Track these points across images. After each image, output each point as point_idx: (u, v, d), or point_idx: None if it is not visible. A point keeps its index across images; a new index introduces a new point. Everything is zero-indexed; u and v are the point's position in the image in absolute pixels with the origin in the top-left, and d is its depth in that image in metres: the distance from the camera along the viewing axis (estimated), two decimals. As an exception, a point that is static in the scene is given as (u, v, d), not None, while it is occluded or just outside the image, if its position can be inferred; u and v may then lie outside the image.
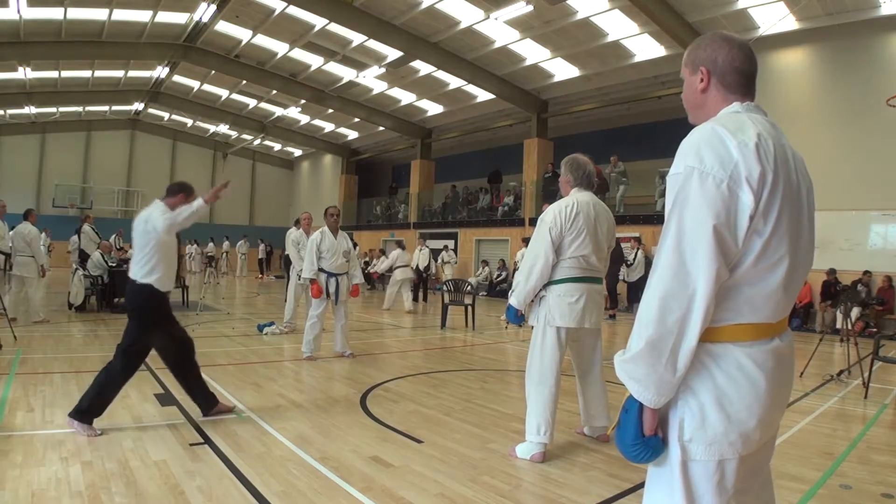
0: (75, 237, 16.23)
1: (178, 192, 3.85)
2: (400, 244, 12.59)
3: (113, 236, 13.09)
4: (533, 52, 14.17)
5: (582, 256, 3.41)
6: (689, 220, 1.16)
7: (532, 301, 3.47)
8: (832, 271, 10.30)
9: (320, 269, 6.08)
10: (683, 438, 1.22)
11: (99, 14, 13.59)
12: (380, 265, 14.40)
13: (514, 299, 3.45)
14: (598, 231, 3.48)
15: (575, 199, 3.46)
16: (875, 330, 9.30)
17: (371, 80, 16.94)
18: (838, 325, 8.94)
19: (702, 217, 1.14)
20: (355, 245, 7.80)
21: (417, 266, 13.37)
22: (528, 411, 3.40)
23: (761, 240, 1.19)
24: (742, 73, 1.34)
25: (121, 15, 13.71)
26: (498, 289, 16.05)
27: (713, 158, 1.16)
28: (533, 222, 16.01)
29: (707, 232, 1.13)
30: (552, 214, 3.41)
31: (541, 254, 3.35)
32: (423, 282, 14.03)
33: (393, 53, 14.80)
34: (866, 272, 10.17)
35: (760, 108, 1.33)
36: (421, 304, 13.29)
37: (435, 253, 15.79)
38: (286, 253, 8.77)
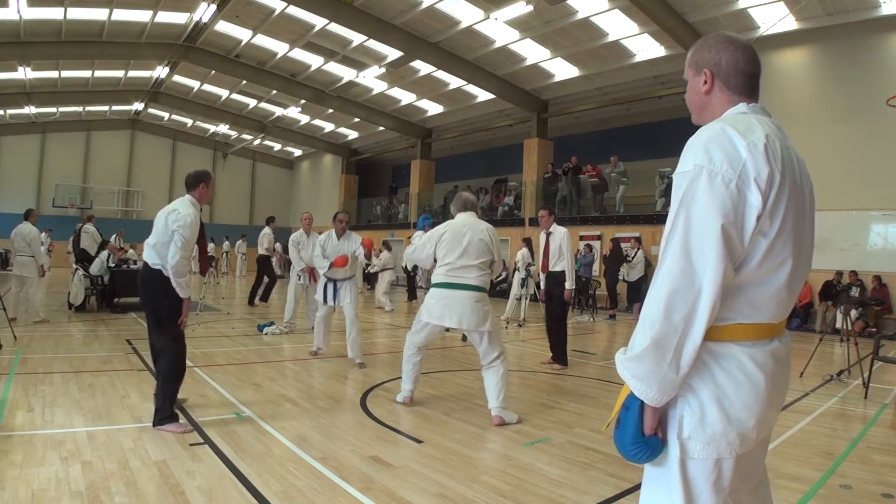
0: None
1: (197, 184, 3.80)
2: (387, 245, 12.67)
3: (114, 236, 13.08)
4: (533, 52, 14.17)
5: (448, 264, 4.13)
6: (697, 219, 1.15)
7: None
8: (838, 273, 10.31)
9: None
10: (682, 436, 1.22)
11: (99, 14, 13.59)
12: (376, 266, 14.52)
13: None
14: (464, 243, 4.14)
15: (449, 222, 4.32)
16: (875, 330, 9.30)
17: (371, 80, 16.94)
18: (838, 325, 8.95)
19: (710, 216, 1.14)
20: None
21: (405, 266, 13.48)
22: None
23: (767, 240, 1.19)
24: (746, 74, 1.34)
25: (121, 15, 13.70)
26: (498, 289, 16.04)
27: (722, 158, 1.16)
28: (533, 222, 16.01)
29: (715, 231, 1.13)
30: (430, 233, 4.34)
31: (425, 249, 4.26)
32: (411, 281, 14.08)
33: (393, 53, 14.80)
34: (852, 272, 10.19)
35: (765, 110, 1.33)
36: (413, 302, 13.33)
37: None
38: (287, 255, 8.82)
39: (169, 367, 3.57)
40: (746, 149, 1.16)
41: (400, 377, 4.56)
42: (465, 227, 4.20)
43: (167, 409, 3.51)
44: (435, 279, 4.22)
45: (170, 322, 3.59)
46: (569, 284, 6.01)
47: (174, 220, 3.58)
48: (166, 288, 3.55)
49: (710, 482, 1.21)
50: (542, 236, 6.31)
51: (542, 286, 6.42)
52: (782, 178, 1.19)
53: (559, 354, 6.21)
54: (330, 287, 6.03)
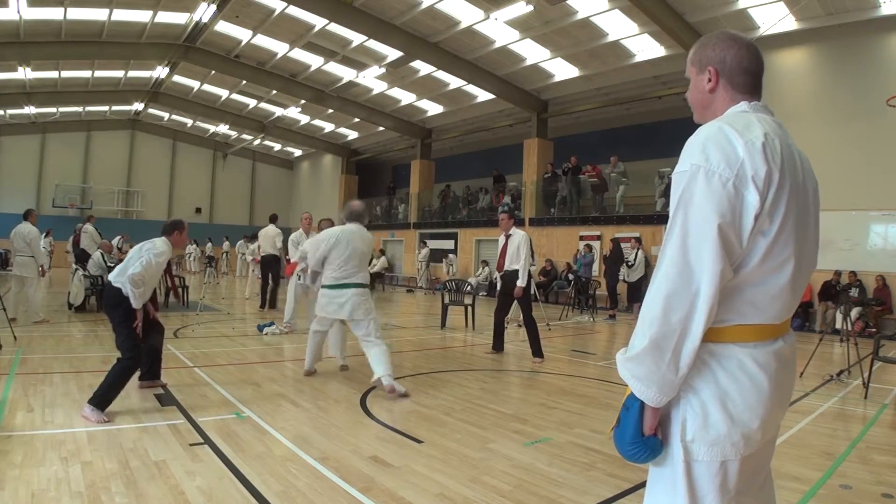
0: (47, 239, 16.24)
1: (172, 231, 4.46)
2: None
3: (118, 238, 13.09)
4: (533, 53, 14.17)
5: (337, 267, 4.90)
6: (694, 219, 1.15)
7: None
8: (837, 273, 10.32)
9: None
10: (686, 439, 1.21)
11: (99, 14, 13.59)
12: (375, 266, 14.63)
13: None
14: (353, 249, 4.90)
15: (340, 229, 5.02)
16: (875, 330, 9.30)
17: (371, 80, 16.94)
18: (838, 326, 8.95)
19: (707, 216, 1.14)
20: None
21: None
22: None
23: (766, 240, 1.19)
24: (750, 72, 1.34)
25: (121, 15, 13.70)
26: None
27: (719, 157, 1.15)
28: (533, 222, 16.03)
29: (712, 231, 1.13)
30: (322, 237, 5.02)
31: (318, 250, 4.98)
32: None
33: (393, 53, 14.80)
34: (852, 272, 10.19)
35: (768, 108, 1.33)
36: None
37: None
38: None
39: (118, 371, 3.87)
40: (744, 148, 1.16)
41: (400, 377, 4.62)
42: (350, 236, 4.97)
43: (100, 399, 3.70)
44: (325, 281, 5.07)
45: (124, 328, 4.03)
46: (520, 283, 6.38)
47: (149, 248, 4.16)
48: (121, 298, 4.01)
49: (716, 485, 1.21)
50: (502, 238, 6.73)
51: (498, 285, 6.89)
52: (782, 177, 1.18)
53: (536, 348, 6.53)
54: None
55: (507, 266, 6.60)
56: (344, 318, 4.90)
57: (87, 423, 3.57)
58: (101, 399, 3.70)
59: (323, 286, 4.96)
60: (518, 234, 6.62)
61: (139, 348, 4.07)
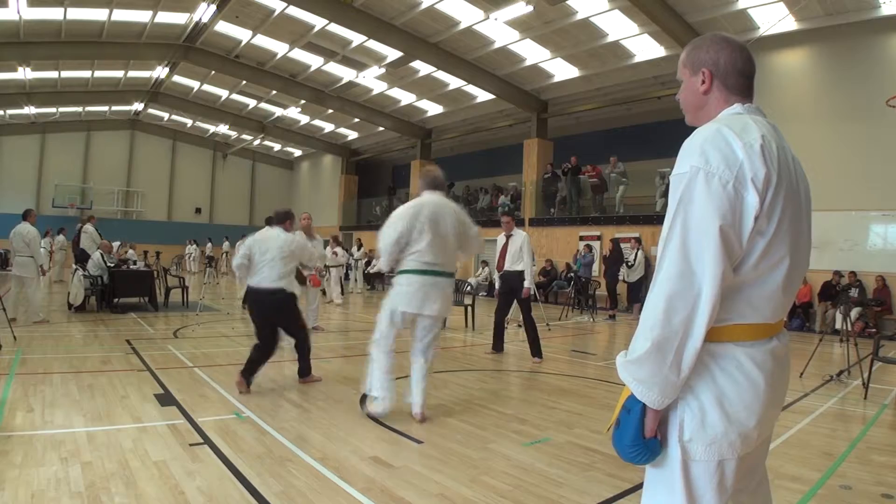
0: (61, 237, 16.23)
1: (285, 220, 4.96)
2: (337, 241, 13.13)
3: (118, 245, 13.07)
4: (533, 53, 14.17)
5: (419, 252, 3.90)
6: (695, 221, 1.15)
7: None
8: (837, 273, 10.32)
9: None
10: (684, 438, 1.22)
11: (99, 14, 13.59)
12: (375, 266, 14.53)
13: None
14: (442, 228, 3.95)
15: (421, 201, 4.01)
16: (874, 330, 9.30)
17: (371, 80, 16.93)
18: (838, 326, 8.94)
19: (708, 217, 1.14)
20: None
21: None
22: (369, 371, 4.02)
23: (764, 240, 1.19)
24: (744, 74, 1.34)
25: (121, 15, 13.70)
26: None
27: (719, 159, 1.16)
28: (533, 222, 16.02)
29: (713, 232, 1.13)
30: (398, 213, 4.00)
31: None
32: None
33: (393, 54, 14.79)
34: (852, 272, 10.20)
35: (760, 110, 1.33)
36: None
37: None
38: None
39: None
40: (743, 149, 1.16)
41: (400, 377, 4.54)
42: (439, 209, 4.04)
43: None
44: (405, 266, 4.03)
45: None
46: (527, 283, 6.41)
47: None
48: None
49: (713, 484, 1.21)
50: (501, 238, 6.79)
51: (497, 285, 6.91)
52: (779, 179, 1.19)
53: (535, 348, 6.56)
54: None
55: (509, 266, 6.63)
56: (431, 314, 3.96)
57: (87, 424, 3.57)
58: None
59: (403, 271, 3.98)
60: (520, 235, 6.69)
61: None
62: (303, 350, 5.03)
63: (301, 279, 10.47)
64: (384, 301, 4.04)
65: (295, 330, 4.93)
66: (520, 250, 6.55)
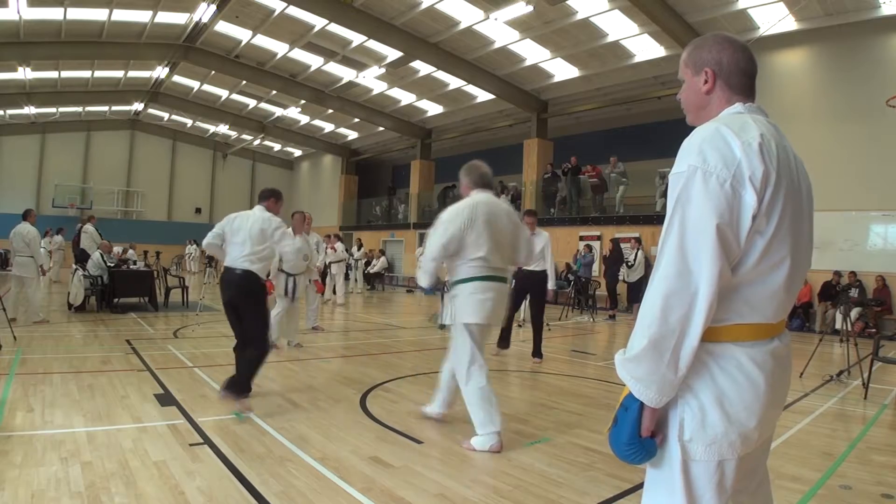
0: (59, 237, 16.21)
1: (269, 198, 4.45)
2: (339, 238, 13.17)
3: (121, 250, 13.06)
4: (533, 53, 14.17)
5: (481, 257, 3.45)
6: (693, 219, 1.15)
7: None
8: (837, 273, 10.32)
9: (280, 270, 6.42)
10: (684, 438, 1.22)
11: (99, 14, 13.60)
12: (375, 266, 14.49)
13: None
14: (498, 230, 3.53)
15: (474, 201, 3.55)
16: (874, 330, 9.30)
17: (371, 80, 16.94)
18: (838, 326, 8.94)
19: (705, 216, 1.14)
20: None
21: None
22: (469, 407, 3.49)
23: (763, 240, 1.19)
24: (746, 74, 1.34)
25: (121, 15, 13.71)
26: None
27: (717, 158, 1.16)
28: (533, 222, 16.00)
29: (710, 231, 1.13)
30: (450, 214, 3.52)
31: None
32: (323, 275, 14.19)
33: (393, 54, 14.80)
34: (852, 273, 10.20)
35: (762, 109, 1.33)
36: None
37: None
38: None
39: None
40: (741, 148, 1.16)
41: (400, 377, 4.57)
42: (494, 209, 3.62)
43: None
44: (465, 273, 3.54)
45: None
46: (551, 284, 6.41)
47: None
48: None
49: (713, 484, 1.21)
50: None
51: (513, 284, 6.72)
52: (778, 177, 1.19)
53: (536, 349, 6.56)
54: (290, 281, 6.50)
55: (532, 266, 6.40)
56: (497, 325, 3.65)
57: (87, 424, 3.57)
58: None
59: (461, 280, 3.50)
60: (542, 236, 6.52)
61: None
62: (251, 363, 4.06)
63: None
64: (449, 322, 3.57)
65: (255, 326, 4.10)
66: (543, 251, 6.38)
